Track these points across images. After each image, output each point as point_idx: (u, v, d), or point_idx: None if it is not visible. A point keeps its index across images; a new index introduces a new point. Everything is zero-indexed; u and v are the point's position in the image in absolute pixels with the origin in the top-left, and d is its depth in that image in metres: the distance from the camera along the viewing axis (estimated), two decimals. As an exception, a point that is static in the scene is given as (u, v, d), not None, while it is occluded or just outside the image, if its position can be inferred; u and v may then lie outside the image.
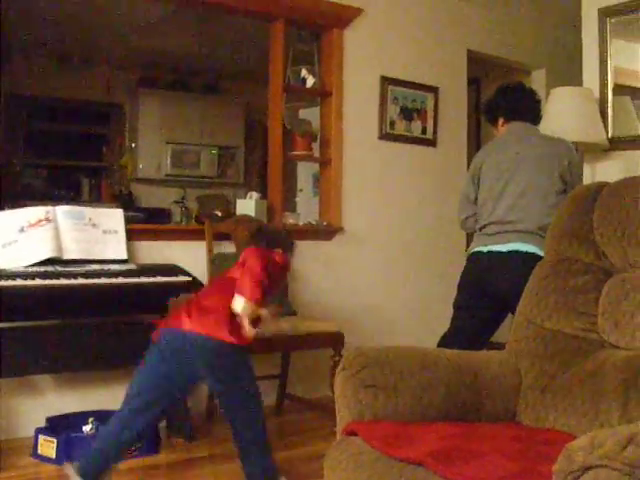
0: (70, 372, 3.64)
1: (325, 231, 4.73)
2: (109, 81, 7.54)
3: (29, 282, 3.13)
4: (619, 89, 4.00)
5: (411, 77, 5.13)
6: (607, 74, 3.98)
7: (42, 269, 3.32)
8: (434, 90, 5.25)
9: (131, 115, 7.78)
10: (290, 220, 4.62)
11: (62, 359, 3.40)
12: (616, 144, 3.97)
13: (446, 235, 5.21)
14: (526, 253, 3.26)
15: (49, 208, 3.64)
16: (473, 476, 1.56)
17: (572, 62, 4.56)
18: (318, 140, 4.85)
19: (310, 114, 5.09)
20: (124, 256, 3.75)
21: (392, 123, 5.05)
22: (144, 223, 4.71)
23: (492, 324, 3.56)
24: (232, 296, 2.72)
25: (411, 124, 5.16)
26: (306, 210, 5.24)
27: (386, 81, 4.99)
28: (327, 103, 4.83)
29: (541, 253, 2.69)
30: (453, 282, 3.73)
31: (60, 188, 7.42)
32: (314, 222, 4.76)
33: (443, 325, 3.64)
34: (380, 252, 4.98)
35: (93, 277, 3.31)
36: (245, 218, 4.25)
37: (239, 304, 2.67)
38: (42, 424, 3.46)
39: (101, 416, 3.50)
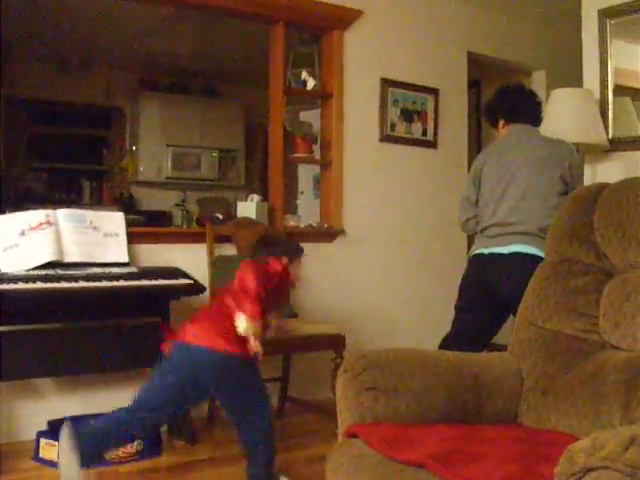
0: (71, 375, 3.64)
1: (326, 233, 4.73)
2: (109, 84, 7.55)
3: (30, 285, 3.13)
4: (619, 90, 4.00)
5: (411, 79, 5.13)
6: (607, 75, 3.98)
7: (43, 272, 3.32)
8: (434, 92, 5.25)
9: (132, 118, 7.78)
10: (291, 222, 4.62)
11: (63, 362, 3.39)
12: (616, 145, 3.96)
13: (447, 237, 5.20)
14: (527, 255, 3.26)
15: (50, 211, 3.64)
16: (474, 478, 1.56)
17: (572, 63, 4.55)
18: (319, 142, 4.85)
19: (311, 116, 5.09)
20: (125, 259, 3.75)
21: (393, 125, 5.05)
22: (145, 226, 4.71)
23: (493, 326, 3.56)
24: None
25: (411, 126, 5.16)
26: (307, 212, 5.24)
27: (386, 83, 4.99)
28: (327, 105, 4.83)
29: (542, 254, 2.69)
30: (454, 284, 3.73)
31: (61, 191, 7.43)
32: (315, 224, 4.76)
33: (444, 327, 3.64)
34: (381, 254, 4.98)
35: (94, 280, 3.31)
36: (246, 221, 4.26)
37: (242, 325, 2.67)
38: (44, 427, 3.46)
39: (103, 419, 3.51)
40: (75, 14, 5.71)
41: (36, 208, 3.72)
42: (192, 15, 5.42)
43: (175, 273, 3.62)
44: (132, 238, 3.87)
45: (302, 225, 4.70)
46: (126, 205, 7.08)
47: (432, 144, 5.27)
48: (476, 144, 6.12)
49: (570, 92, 4.01)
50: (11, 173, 7.05)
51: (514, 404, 2.21)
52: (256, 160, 8.34)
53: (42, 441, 3.31)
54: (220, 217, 4.36)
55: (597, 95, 4.01)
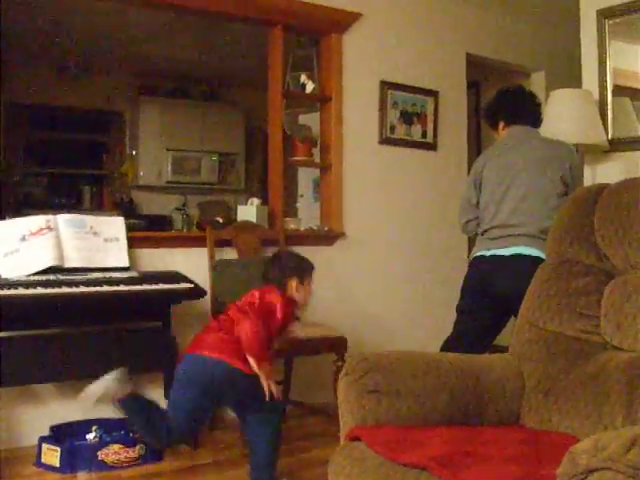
0: (73, 380, 3.63)
1: (326, 236, 4.73)
2: (109, 89, 7.55)
3: (31, 291, 3.13)
4: (618, 90, 4.00)
5: (411, 81, 5.13)
6: (606, 76, 3.99)
7: (44, 278, 3.32)
8: (434, 94, 5.25)
9: (131, 123, 7.79)
10: (291, 225, 4.62)
11: (65, 367, 3.39)
12: (616, 145, 3.97)
13: (447, 239, 5.20)
14: (529, 256, 3.26)
15: (50, 217, 3.64)
16: (477, 480, 1.56)
17: (571, 64, 4.56)
18: (318, 145, 4.85)
19: (310, 119, 5.10)
20: (126, 264, 3.75)
21: (392, 127, 5.05)
22: (145, 230, 4.71)
23: (495, 328, 3.56)
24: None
25: (411, 128, 5.16)
26: (307, 215, 5.24)
27: (386, 85, 4.99)
28: (327, 108, 4.83)
29: (543, 256, 2.69)
30: (455, 286, 3.73)
31: (61, 196, 7.43)
32: (315, 227, 4.76)
33: (445, 329, 3.64)
34: (381, 256, 4.98)
35: (95, 285, 3.31)
36: (246, 224, 4.26)
37: (254, 366, 2.78)
38: (46, 433, 3.45)
39: (104, 424, 3.51)
40: (75, 19, 5.72)
41: (36, 213, 3.72)
42: (191, 20, 5.42)
43: (176, 277, 3.62)
44: (132, 243, 3.87)
45: (302, 228, 4.70)
46: (126, 210, 7.07)
47: (432, 146, 5.27)
48: (476, 146, 6.12)
49: (569, 93, 4.02)
50: (11, 178, 7.06)
51: (516, 406, 2.21)
52: (256, 164, 8.34)
53: (44, 446, 3.31)
54: (220, 221, 4.36)
55: (596, 96, 4.01)
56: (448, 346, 3.51)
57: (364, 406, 2.00)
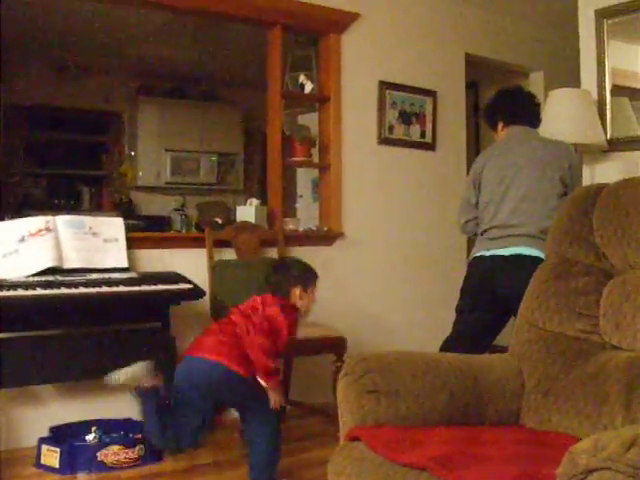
0: (72, 381, 3.63)
1: (325, 236, 4.73)
2: (108, 90, 7.55)
3: (30, 292, 3.13)
4: (617, 90, 4.00)
5: (409, 81, 5.13)
6: (605, 75, 3.98)
7: (43, 279, 3.32)
8: (432, 94, 5.26)
9: (130, 123, 7.79)
10: (290, 226, 4.62)
11: (64, 368, 3.39)
12: (615, 145, 3.97)
13: (446, 238, 5.20)
14: (528, 257, 3.26)
15: (49, 218, 3.64)
16: (477, 480, 1.56)
17: (570, 64, 4.56)
18: (317, 146, 4.85)
19: (309, 120, 5.10)
20: (125, 264, 3.75)
21: (391, 127, 5.05)
22: (144, 231, 4.71)
23: (495, 328, 3.56)
24: (244, 330, 2.86)
25: (410, 128, 5.16)
26: (306, 216, 5.24)
27: (384, 85, 4.99)
28: (325, 108, 4.84)
29: (543, 256, 2.69)
30: (454, 286, 3.73)
31: (60, 197, 7.42)
32: (314, 228, 4.76)
33: (445, 329, 3.64)
34: (381, 256, 4.98)
35: (94, 286, 3.31)
36: (245, 225, 4.26)
37: (263, 381, 2.83)
38: (45, 434, 3.45)
39: (104, 425, 3.51)
40: (74, 20, 5.71)
41: (35, 214, 3.73)
42: (190, 20, 5.43)
43: (175, 278, 3.62)
44: (132, 243, 3.87)
45: (301, 228, 4.70)
46: (125, 210, 7.07)
47: (430, 146, 5.27)
48: (474, 145, 6.13)
49: (568, 93, 4.02)
50: (10, 179, 7.05)
51: (515, 406, 2.21)
52: (255, 164, 8.34)
53: (43, 447, 3.31)
54: (219, 221, 4.36)
55: (595, 95, 4.01)
56: (447, 346, 3.51)
57: (363, 406, 2.00)
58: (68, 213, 3.83)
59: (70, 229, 3.66)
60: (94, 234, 3.73)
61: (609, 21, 3.95)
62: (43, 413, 3.62)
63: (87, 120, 7.61)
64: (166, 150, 7.69)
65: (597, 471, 1.25)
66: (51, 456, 3.26)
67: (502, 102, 3.66)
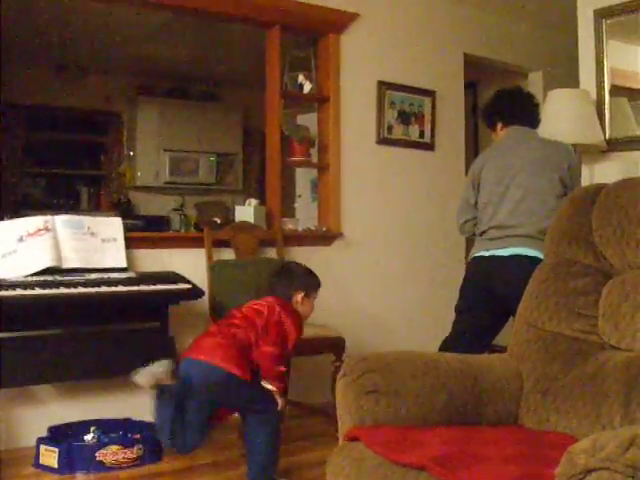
0: (71, 381, 3.63)
1: (324, 236, 4.73)
2: (107, 90, 7.54)
3: (29, 292, 3.13)
4: (616, 90, 4.01)
5: (408, 81, 5.14)
6: (604, 75, 3.99)
7: (41, 278, 3.32)
8: (431, 94, 5.26)
9: (129, 123, 7.78)
10: (289, 226, 4.62)
11: (63, 368, 3.39)
12: (614, 145, 3.97)
13: (445, 239, 5.20)
14: (527, 257, 3.26)
15: (48, 217, 3.64)
16: (476, 480, 1.56)
17: (569, 64, 4.56)
18: (316, 146, 4.85)
19: (308, 120, 5.09)
20: (123, 264, 3.75)
21: (390, 127, 5.05)
22: (143, 231, 4.72)
23: (494, 328, 3.56)
24: (246, 332, 2.86)
25: (409, 128, 5.16)
26: (305, 216, 5.24)
27: (383, 85, 4.99)
28: (324, 108, 4.84)
29: (542, 256, 2.69)
30: (453, 286, 3.73)
31: (59, 197, 7.42)
32: (313, 228, 4.76)
33: (443, 329, 3.64)
34: (379, 256, 4.98)
35: (93, 286, 3.31)
36: (244, 225, 4.26)
37: (271, 386, 2.84)
38: (44, 434, 3.45)
39: (103, 425, 3.51)
40: (73, 20, 5.71)
41: (34, 214, 3.72)
42: (189, 20, 5.42)
43: (174, 278, 3.62)
44: (130, 243, 3.87)
45: (300, 228, 4.70)
46: (124, 210, 7.07)
47: (429, 146, 5.27)
48: (473, 146, 6.13)
49: (567, 93, 4.02)
50: (9, 179, 7.05)
51: (514, 406, 2.21)
52: (254, 164, 8.33)
53: (42, 447, 3.30)
54: (218, 221, 4.36)
55: (594, 96, 4.01)
56: (447, 346, 3.51)
57: (362, 406, 2.00)
58: (67, 213, 3.82)
59: (69, 229, 3.66)
60: (93, 234, 3.73)
61: (608, 21, 3.96)
62: (42, 413, 3.62)
63: (86, 120, 7.61)
64: (165, 150, 7.68)
65: (596, 471, 1.25)
66: (50, 456, 3.26)
67: (501, 103, 3.66)
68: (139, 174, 7.66)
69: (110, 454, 3.26)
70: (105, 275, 3.53)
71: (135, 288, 3.40)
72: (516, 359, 2.30)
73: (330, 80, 4.78)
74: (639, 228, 2.12)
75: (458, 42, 5.44)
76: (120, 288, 3.35)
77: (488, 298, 3.45)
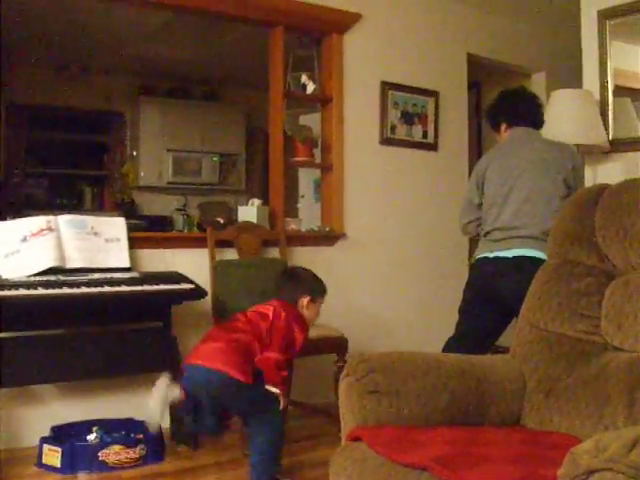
0: (74, 381, 3.63)
1: (327, 237, 4.73)
2: (109, 89, 7.56)
3: (32, 292, 3.13)
4: (619, 91, 4.00)
5: (411, 82, 5.14)
6: (607, 76, 3.99)
7: (45, 278, 3.32)
8: (434, 94, 5.26)
9: (132, 123, 7.80)
10: (292, 226, 4.62)
11: (66, 368, 3.40)
12: (617, 146, 3.97)
13: (448, 239, 5.20)
14: (531, 258, 3.25)
15: (51, 217, 3.64)
16: (478, 481, 1.56)
17: (572, 64, 4.56)
18: (319, 146, 4.85)
19: (311, 120, 5.09)
20: (127, 264, 3.75)
21: (393, 128, 5.05)
22: (146, 231, 4.71)
23: (497, 329, 3.55)
24: (249, 336, 2.86)
25: (412, 128, 5.16)
26: (308, 216, 5.24)
27: (386, 86, 4.99)
28: (328, 109, 4.84)
29: (546, 258, 2.69)
30: (456, 287, 3.73)
31: (62, 197, 7.43)
32: (316, 228, 4.76)
33: (446, 330, 3.64)
34: (382, 257, 4.98)
35: (96, 286, 3.31)
36: (247, 225, 4.26)
37: (275, 390, 2.83)
38: (47, 433, 3.45)
39: (105, 425, 3.51)
40: (75, 19, 5.72)
41: (37, 214, 3.72)
42: (192, 20, 5.42)
43: (177, 278, 3.62)
44: (133, 243, 3.87)
45: (303, 229, 4.70)
46: (127, 210, 7.07)
47: (432, 146, 5.27)
48: (476, 146, 6.13)
49: (570, 93, 4.02)
50: (12, 179, 7.06)
51: (517, 406, 2.21)
52: (257, 164, 8.33)
53: (45, 447, 3.31)
54: (221, 221, 4.36)
55: (597, 96, 4.01)
56: (450, 347, 3.50)
57: (365, 406, 2.00)
58: (70, 213, 3.82)
59: (72, 229, 3.66)
60: (96, 234, 3.73)
61: (611, 22, 3.95)
62: (44, 413, 3.62)
63: (89, 120, 7.62)
64: (168, 150, 7.70)
65: (598, 472, 1.24)
66: (52, 456, 3.26)
67: (505, 103, 3.65)
68: (142, 174, 7.67)
69: (113, 454, 3.26)
70: (108, 275, 3.52)
71: (138, 288, 3.40)
72: (519, 360, 2.30)
73: (333, 80, 4.78)
74: (642, 229, 2.12)
75: (461, 42, 5.44)
76: (123, 288, 3.35)
77: (491, 299, 3.44)
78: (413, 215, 5.15)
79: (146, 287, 3.41)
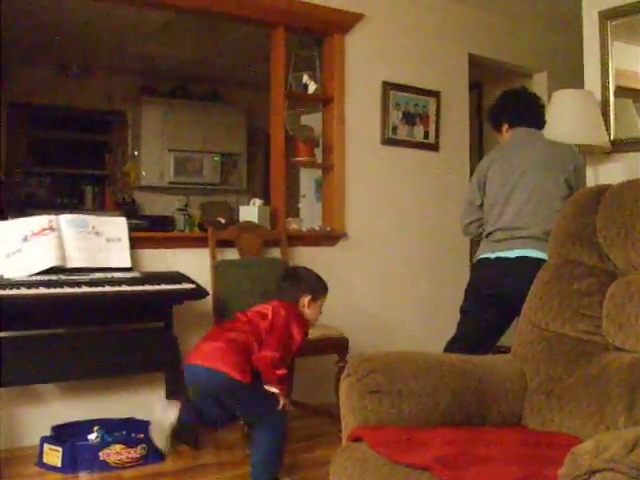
0: (75, 380, 3.64)
1: (328, 237, 4.73)
2: (111, 89, 7.57)
3: (33, 291, 3.13)
4: (620, 91, 4.00)
5: (413, 82, 5.14)
6: (608, 76, 3.98)
7: (46, 278, 3.33)
8: (436, 94, 5.26)
9: (134, 123, 7.80)
10: (293, 226, 4.62)
11: (67, 368, 3.40)
12: (618, 146, 3.97)
13: (449, 240, 5.20)
14: (533, 259, 3.25)
15: (52, 217, 3.64)
16: (479, 481, 1.56)
17: (573, 65, 4.56)
18: (320, 146, 4.85)
19: (312, 120, 5.10)
20: (128, 264, 3.76)
21: (394, 128, 5.05)
22: (147, 231, 4.72)
23: (498, 329, 3.55)
24: (249, 336, 2.86)
25: (413, 129, 5.16)
26: (309, 216, 5.24)
27: (388, 86, 4.99)
28: (329, 109, 4.84)
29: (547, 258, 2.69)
30: (457, 287, 3.73)
31: (63, 196, 7.44)
32: (317, 228, 4.76)
33: (448, 330, 3.64)
34: (383, 257, 4.98)
35: (97, 285, 3.31)
36: (248, 225, 4.26)
37: (272, 388, 2.83)
38: (47, 433, 3.46)
39: (106, 424, 3.51)
40: (76, 19, 5.73)
41: (38, 213, 3.73)
42: (194, 20, 5.43)
43: (178, 278, 3.62)
44: (135, 243, 3.87)
45: (304, 229, 4.70)
46: (129, 210, 7.08)
47: (434, 147, 5.27)
48: (478, 146, 6.12)
49: (571, 94, 4.01)
50: (13, 178, 7.07)
51: (518, 406, 2.20)
52: (258, 164, 8.34)
53: (46, 446, 3.31)
54: (222, 221, 4.36)
55: (598, 97, 4.01)
56: (451, 347, 3.51)
57: (366, 406, 2.00)
58: (71, 212, 3.83)
59: (73, 228, 3.66)
60: (97, 233, 3.73)
61: (613, 22, 3.95)
62: (45, 412, 3.62)
63: (90, 119, 7.63)
64: (169, 150, 7.70)
65: (600, 472, 1.24)
66: (53, 455, 3.26)
67: (507, 104, 3.64)
68: (144, 174, 7.68)
69: (114, 453, 3.26)
70: (109, 275, 3.53)
71: (139, 288, 3.40)
72: (520, 360, 2.30)
73: (335, 80, 4.78)
74: (644, 229, 2.12)
75: (463, 43, 5.44)
76: (124, 288, 3.36)
77: (493, 299, 3.44)
78: (414, 215, 5.15)
79: (147, 287, 3.42)
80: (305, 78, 4.74)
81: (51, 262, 3.48)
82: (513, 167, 3.43)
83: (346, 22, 4.78)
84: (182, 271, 3.75)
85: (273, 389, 2.81)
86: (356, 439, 1.94)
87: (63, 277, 3.37)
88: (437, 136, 5.28)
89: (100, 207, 7.60)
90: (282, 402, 2.84)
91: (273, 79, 4.64)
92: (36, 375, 3.37)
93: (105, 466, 3.24)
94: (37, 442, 3.38)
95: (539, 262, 3.00)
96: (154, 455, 3.36)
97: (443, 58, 5.33)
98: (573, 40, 4.40)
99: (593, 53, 4.05)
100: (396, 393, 2.01)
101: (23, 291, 3.11)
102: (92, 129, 7.71)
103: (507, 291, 3.31)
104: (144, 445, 3.33)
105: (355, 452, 1.89)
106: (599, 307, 2.18)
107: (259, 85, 5.41)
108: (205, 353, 2.83)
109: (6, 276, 3.32)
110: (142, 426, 3.53)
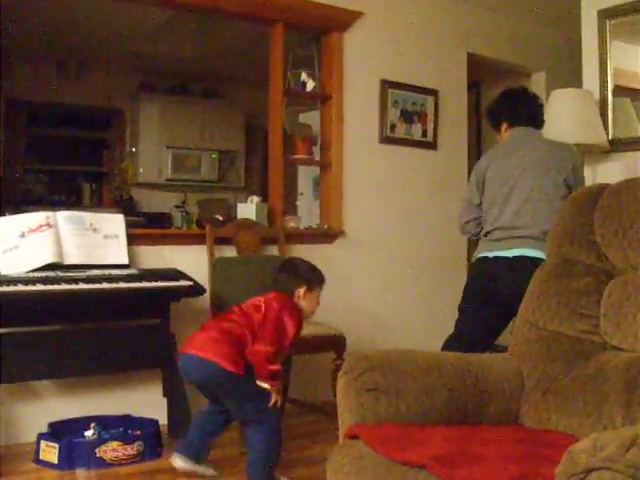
0: (72, 377, 3.63)
1: (326, 234, 4.73)
2: (109, 86, 7.55)
3: (30, 287, 3.13)
4: (619, 91, 4.01)
5: (411, 80, 5.13)
6: (607, 76, 3.99)
7: (43, 274, 3.32)
8: (434, 93, 5.25)
9: (131, 120, 7.79)
10: (291, 224, 4.62)
11: (64, 364, 3.40)
12: (616, 146, 3.97)
13: (447, 238, 5.20)
14: (532, 258, 3.25)
15: (50, 213, 3.64)
16: (475, 479, 1.55)
17: (572, 64, 4.56)
18: (318, 144, 4.85)
19: (310, 118, 5.09)
20: (125, 261, 3.75)
21: (392, 126, 5.04)
22: (145, 228, 4.71)
23: (496, 328, 3.55)
24: (242, 327, 2.87)
25: (411, 127, 5.16)
26: (307, 214, 5.24)
27: (386, 84, 4.99)
28: (327, 107, 4.83)
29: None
30: (455, 285, 3.73)
31: (61, 193, 7.43)
32: (315, 226, 4.76)
33: (445, 328, 3.64)
34: (381, 255, 4.98)
35: (94, 282, 3.31)
36: (246, 222, 4.26)
37: (264, 384, 2.83)
38: (44, 429, 3.46)
39: (103, 421, 3.51)
40: (75, 16, 5.71)
41: (36, 210, 3.72)
42: (192, 17, 5.42)
43: (175, 275, 3.62)
44: (132, 240, 3.87)
45: (302, 226, 4.70)
46: (126, 207, 7.07)
47: (432, 145, 5.27)
48: (476, 145, 6.12)
49: (570, 93, 4.02)
50: (11, 175, 7.05)
51: (515, 405, 2.21)
52: (256, 161, 8.34)
53: (42, 443, 3.31)
54: (220, 219, 4.36)
55: (597, 96, 4.01)
56: (449, 345, 3.51)
57: (363, 404, 2.00)
58: (69, 209, 3.82)
59: (71, 225, 3.66)
60: (95, 230, 3.73)
61: (612, 21, 3.96)
62: (42, 409, 3.62)
63: (88, 116, 7.62)
64: (167, 147, 7.69)
65: (596, 471, 1.24)
66: (50, 452, 3.26)
67: (506, 103, 3.64)
68: (141, 171, 7.67)
69: (110, 450, 3.26)
70: (107, 271, 3.52)
71: (137, 285, 3.40)
72: (517, 358, 2.30)
73: (333, 78, 4.77)
74: (641, 228, 2.12)
75: (461, 41, 5.43)
76: (121, 285, 3.35)
77: (491, 299, 3.44)
78: (412, 214, 5.15)
79: (144, 284, 3.42)
80: (303, 76, 4.73)
81: (48, 259, 3.47)
82: (512, 167, 3.43)
83: (345, 20, 4.77)
84: (179, 268, 3.75)
85: (265, 385, 2.80)
86: (353, 437, 1.94)
87: (60, 274, 3.36)
88: (435, 135, 5.28)
89: (98, 204, 7.60)
90: (274, 399, 2.83)
91: (271, 77, 4.63)
92: (33, 371, 3.36)
93: (102, 463, 3.24)
94: (34, 439, 3.38)
95: (537, 262, 3.00)
96: (150, 452, 3.37)
97: (442, 57, 5.33)
98: (572, 39, 4.41)
99: (592, 52, 4.05)
100: (393, 391, 2.01)
101: (20, 288, 3.11)
102: (90, 126, 7.69)
103: (505, 290, 3.32)
104: (141, 442, 3.33)
105: (352, 450, 1.89)
106: (597, 306, 2.19)
107: (257, 83, 5.40)
108: (198, 343, 2.84)
109: (3, 272, 3.32)
110: (139, 423, 3.54)
